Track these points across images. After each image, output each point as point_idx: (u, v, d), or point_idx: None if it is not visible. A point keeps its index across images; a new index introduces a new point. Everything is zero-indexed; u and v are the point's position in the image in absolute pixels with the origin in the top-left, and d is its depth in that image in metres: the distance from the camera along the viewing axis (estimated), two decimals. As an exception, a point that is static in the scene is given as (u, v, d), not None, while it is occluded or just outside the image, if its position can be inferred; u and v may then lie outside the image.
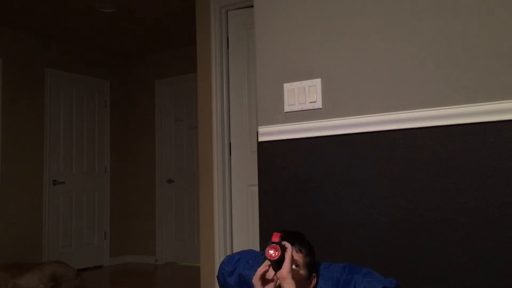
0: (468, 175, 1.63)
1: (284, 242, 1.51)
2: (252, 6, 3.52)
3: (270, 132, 2.05)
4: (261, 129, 2.08)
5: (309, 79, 1.96)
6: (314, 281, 1.64)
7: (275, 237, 1.51)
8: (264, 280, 1.51)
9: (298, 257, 1.60)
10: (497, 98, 1.60)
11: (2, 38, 5.30)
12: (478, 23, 1.64)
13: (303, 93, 1.97)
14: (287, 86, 2.02)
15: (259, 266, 1.53)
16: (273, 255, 1.46)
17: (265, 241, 2.00)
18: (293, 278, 1.47)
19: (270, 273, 1.51)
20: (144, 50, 6.35)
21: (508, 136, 1.57)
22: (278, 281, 1.48)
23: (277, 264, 1.48)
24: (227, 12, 3.87)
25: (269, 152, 2.06)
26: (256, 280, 1.50)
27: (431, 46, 1.72)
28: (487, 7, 1.63)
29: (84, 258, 5.94)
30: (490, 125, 1.60)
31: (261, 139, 2.08)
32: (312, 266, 1.64)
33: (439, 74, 1.70)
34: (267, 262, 1.51)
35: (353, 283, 1.57)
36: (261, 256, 1.78)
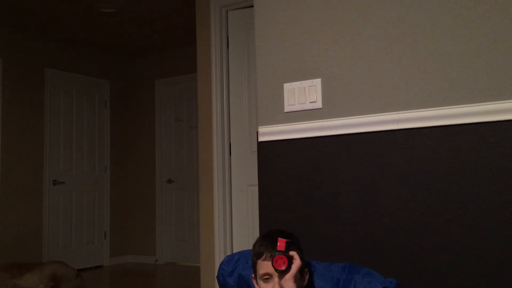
0: (468, 175, 1.63)
1: (292, 253, 1.55)
2: (252, 6, 3.52)
3: (270, 132, 2.05)
4: (261, 129, 2.08)
5: (309, 79, 1.96)
6: (307, 277, 1.65)
7: (281, 246, 1.54)
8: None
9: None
10: (497, 98, 1.60)
11: (2, 38, 5.30)
12: (477, 23, 1.64)
13: (303, 93, 1.97)
14: (287, 86, 2.02)
15: None
16: (281, 266, 1.51)
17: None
18: (295, 280, 1.53)
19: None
20: (144, 50, 6.35)
21: (508, 136, 1.57)
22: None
23: (283, 272, 1.53)
24: (227, 12, 3.87)
25: (269, 152, 2.05)
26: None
27: (431, 46, 1.72)
28: (486, 8, 1.63)
29: (84, 258, 5.94)
30: (490, 125, 1.60)
31: (261, 139, 2.08)
32: (304, 263, 1.65)
33: (439, 74, 1.70)
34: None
35: (353, 283, 1.57)
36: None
